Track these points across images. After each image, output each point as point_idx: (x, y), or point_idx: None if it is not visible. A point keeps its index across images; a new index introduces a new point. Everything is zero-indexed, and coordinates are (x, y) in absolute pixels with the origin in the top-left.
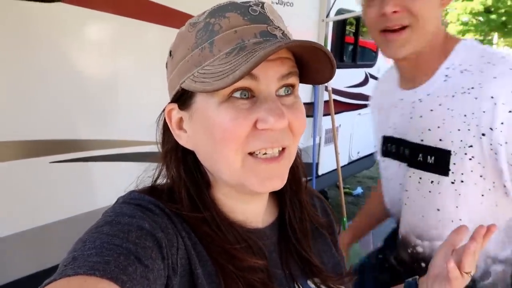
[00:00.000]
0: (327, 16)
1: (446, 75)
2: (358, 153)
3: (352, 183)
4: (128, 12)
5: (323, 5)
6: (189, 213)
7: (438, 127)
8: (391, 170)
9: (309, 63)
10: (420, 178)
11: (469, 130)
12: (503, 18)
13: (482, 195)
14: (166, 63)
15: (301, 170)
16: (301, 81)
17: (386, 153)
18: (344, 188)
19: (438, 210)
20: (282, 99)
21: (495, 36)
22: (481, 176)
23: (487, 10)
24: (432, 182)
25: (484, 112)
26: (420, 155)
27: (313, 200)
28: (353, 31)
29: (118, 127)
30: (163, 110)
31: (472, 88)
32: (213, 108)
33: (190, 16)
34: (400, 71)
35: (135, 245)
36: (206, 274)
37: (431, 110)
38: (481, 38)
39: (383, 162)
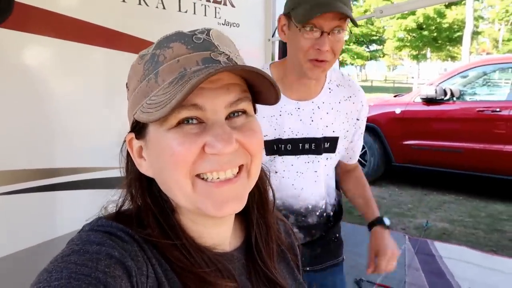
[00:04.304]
0: (273, 35)
1: (329, 88)
2: None
3: None
4: (70, 35)
5: (268, 26)
6: (159, 239)
7: (332, 123)
8: (289, 163)
9: (256, 86)
10: (327, 158)
11: (348, 121)
12: (434, 34)
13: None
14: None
15: (268, 191)
16: (258, 102)
17: (283, 152)
18: None
19: (328, 175)
20: (232, 120)
21: (428, 50)
22: (345, 148)
23: (420, 27)
24: (327, 159)
25: (357, 110)
26: (323, 144)
27: (277, 223)
28: None
29: (63, 154)
30: (125, 140)
31: (350, 97)
32: (162, 135)
33: (135, 38)
34: (300, 86)
35: (104, 274)
36: None
37: (327, 113)
38: (416, 52)
39: (281, 161)
